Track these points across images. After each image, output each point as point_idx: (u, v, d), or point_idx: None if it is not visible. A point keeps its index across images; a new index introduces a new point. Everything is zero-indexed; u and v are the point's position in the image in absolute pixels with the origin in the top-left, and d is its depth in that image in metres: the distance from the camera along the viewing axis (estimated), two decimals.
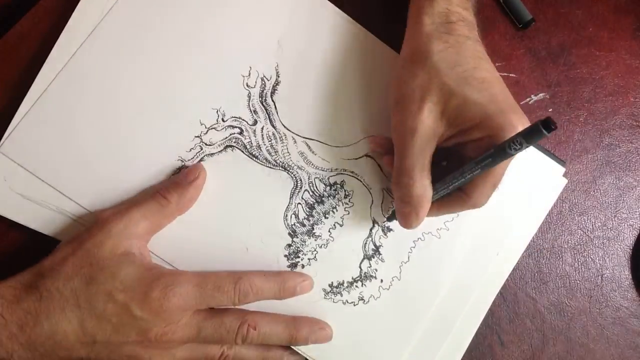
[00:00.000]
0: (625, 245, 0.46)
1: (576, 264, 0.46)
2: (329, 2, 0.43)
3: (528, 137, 0.30)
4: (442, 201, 0.38)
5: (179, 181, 0.39)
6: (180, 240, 0.40)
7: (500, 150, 0.32)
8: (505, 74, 0.47)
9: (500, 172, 0.36)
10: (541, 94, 0.47)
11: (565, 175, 0.45)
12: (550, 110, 0.47)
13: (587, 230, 0.46)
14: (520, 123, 0.34)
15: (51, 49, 0.40)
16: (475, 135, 0.35)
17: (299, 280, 0.40)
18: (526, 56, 0.47)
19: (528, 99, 0.47)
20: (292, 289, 0.39)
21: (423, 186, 0.36)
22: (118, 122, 0.40)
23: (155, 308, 0.34)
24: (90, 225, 0.37)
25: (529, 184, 0.43)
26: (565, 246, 0.46)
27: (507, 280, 0.43)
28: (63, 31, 0.40)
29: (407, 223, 0.37)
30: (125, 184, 0.40)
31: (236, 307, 0.37)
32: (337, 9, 0.43)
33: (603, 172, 0.47)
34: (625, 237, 0.46)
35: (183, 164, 0.40)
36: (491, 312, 0.43)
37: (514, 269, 0.44)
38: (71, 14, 0.41)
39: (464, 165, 0.35)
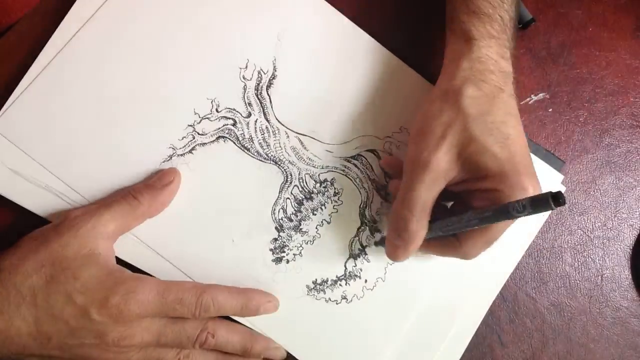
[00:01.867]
0: (625, 245, 0.46)
1: (576, 264, 0.46)
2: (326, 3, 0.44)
3: (534, 204, 0.30)
4: (433, 242, 0.38)
5: (153, 183, 0.39)
6: (167, 229, 0.40)
7: (504, 209, 0.32)
8: None
9: (498, 231, 0.36)
10: (541, 94, 0.47)
11: (565, 175, 0.45)
12: (550, 110, 0.47)
13: (587, 230, 0.46)
14: (532, 187, 0.34)
15: None
16: (485, 186, 0.35)
17: (264, 300, 0.39)
18: (526, 56, 0.47)
19: (528, 99, 0.47)
20: (254, 309, 0.39)
21: (420, 224, 0.35)
22: (112, 106, 0.40)
23: (114, 314, 0.34)
24: (57, 222, 0.36)
25: None
26: (565, 246, 0.46)
27: (507, 280, 0.43)
28: (65, 17, 0.40)
29: (393, 255, 0.37)
30: (115, 167, 0.40)
31: None
32: (334, 10, 0.43)
33: (603, 172, 0.47)
34: (625, 237, 0.46)
35: (174, 152, 0.41)
36: (491, 312, 0.43)
37: (514, 269, 0.43)
38: None
39: (465, 214, 0.35)
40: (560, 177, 0.44)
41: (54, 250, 0.34)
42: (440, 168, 0.35)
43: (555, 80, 0.47)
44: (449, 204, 0.40)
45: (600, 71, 0.48)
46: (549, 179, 0.44)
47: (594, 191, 0.47)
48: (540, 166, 0.44)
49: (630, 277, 0.46)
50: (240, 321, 0.40)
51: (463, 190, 0.37)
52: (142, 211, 0.38)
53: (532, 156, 0.43)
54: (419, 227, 0.35)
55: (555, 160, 0.45)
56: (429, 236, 0.37)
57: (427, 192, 0.35)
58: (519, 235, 0.43)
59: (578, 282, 0.45)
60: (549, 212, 0.44)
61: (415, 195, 0.35)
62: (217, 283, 0.39)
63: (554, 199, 0.28)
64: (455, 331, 0.42)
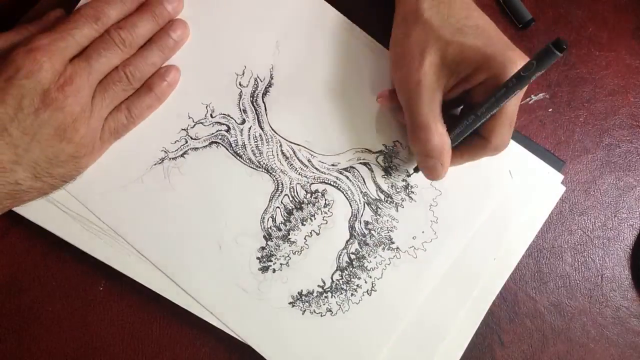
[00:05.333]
0: (625, 245, 0.46)
1: (576, 264, 0.46)
2: (331, 8, 0.43)
3: (540, 58, 0.30)
4: (462, 148, 0.39)
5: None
6: (154, 231, 0.40)
7: (513, 79, 0.33)
8: None
9: (513, 109, 0.37)
10: (541, 94, 0.47)
11: (565, 175, 0.45)
12: (550, 110, 0.47)
13: (587, 230, 0.46)
14: (520, 58, 0.35)
15: None
16: (479, 78, 0.36)
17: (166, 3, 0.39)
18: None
19: (528, 99, 0.47)
20: (165, 14, 0.39)
21: (440, 135, 0.37)
22: None
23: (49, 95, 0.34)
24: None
25: (527, 191, 0.43)
26: (565, 246, 0.46)
27: (507, 280, 0.43)
28: None
29: (434, 175, 0.38)
30: (109, 169, 0.40)
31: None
32: (339, 14, 0.43)
33: (603, 172, 0.47)
34: (625, 237, 0.46)
35: (166, 155, 0.41)
36: (491, 312, 0.43)
37: (514, 269, 0.44)
38: (69, 14, 0.41)
39: (478, 107, 0.35)
40: (560, 177, 0.44)
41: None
42: (431, 81, 0.36)
43: (555, 80, 0.47)
44: (458, 110, 0.41)
45: (600, 71, 0.48)
46: (549, 179, 0.44)
47: (594, 191, 0.47)
48: (540, 166, 0.44)
49: (630, 277, 0.46)
50: (218, 325, 0.40)
51: (463, 93, 0.38)
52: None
53: (532, 156, 0.44)
54: (442, 139, 0.37)
55: (555, 160, 0.45)
56: (455, 143, 0.38)
57: (430, 107, 0.36)
58: (519, 235, 0.43)
59: (578, 282, 0.45)
60: (552, 206, 0.44)
61: (423, 115, 0.36)
62: (201, 287, 0.40)
63: (556, 46, 0.29)
64: (455, 331, 0.42)
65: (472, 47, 0.35)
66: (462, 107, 0.41)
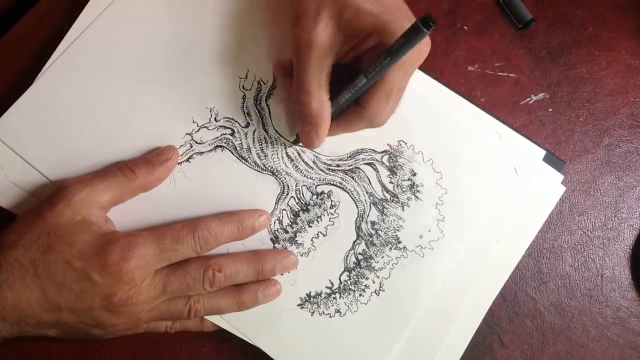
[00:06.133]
0: (625, 245, 0.46)
1: (576, 264, 0.46)
2: None
3: (408, 38, 0.31)
4: (341, 118, 0.38)
5: (150, 159, 0.39)
6: None
7: (385, 54, 0.33)
8: (505, 74, 0.47)
9: (392, 81, 0.36)
10: (541, 94, 0.47)
11: (565, 175, 0.45)
12: (550, 110, 0.47)
13: (587, 230, 0.46)
14: None
15: (50, 48, 0.40)
16: (370, 43, 0.36)
17: (256, 216, 0.39)
18: (526, 56, 0.47)
19: (528, 99, 0.47)
20: (250, 228, 0.39)
21: (321, 102, 0.36)
22: (110, 114, 0.40)
23: (115, 272, 0.34)
24: (52, 194, 0.37)
25: (527, 191, 0.43)
26: (565, 246, 0.46)
27: (507, 280, 0.43)
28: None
29: (308, 142, 0.38)
30: None
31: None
32: None
33: (603, 172, 0.47)
34: (625, 237, 0.46)
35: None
36: (491, 312, 0.43)
37: (514, 269, 0.43)
38: (69, 15, 0.41)
39: (359, 76, 0.35)
40: (560, 177, 0.44)
41: (49, 221, 0.35)
42: (323, 44, 0.35)
43: (555, 80, 0.47)
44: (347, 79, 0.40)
45: (600, 71, 0.48)
46: (549, 179, 0.44)
47: (594, 191, 0.47)
48: (540, 166, 0.44)
49: (630, 277, 0.46)
50: (228, 329, 0.40)
51: (355, 59, 0.37)
52: (137, 185, 0.38)
53: (532, 156, 0.44)
54: (321, 106, 0.36)
55: (555, 160, 0.45)
56: (335, 113, 0.37)
57: (317, 70, 0.35)
58: (519, 235, 0.43)
59: (578, 282, 0.45)
60: (552, 206, 0.44)
61: (307, 77, 0.35)
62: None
63: (423, 23, 0.29)
64: (455, 331, 0.42)
65: (368, 12, 0.34)
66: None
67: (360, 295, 0.41)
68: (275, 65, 0.41)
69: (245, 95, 0.42)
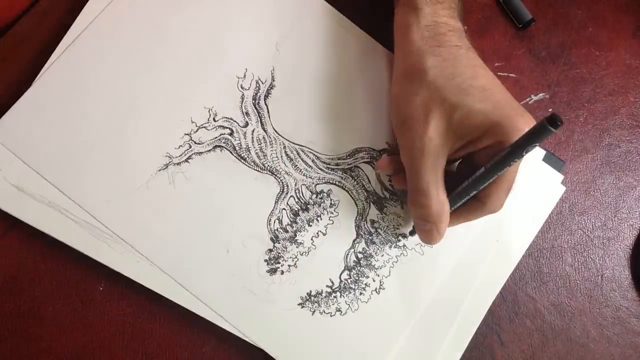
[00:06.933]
0: (625, 245, 0.46)
1: (576, 264, 0.46)
2: (332, 8, 0.43)
3: (534, 136, 0.30)
4: (459, 211, 0.38)
5: None
6: (162, 237, 0.40)
7: (509, 153, 0.32)
8: (505, 74, 0.47)
9: (512, 176, 0.36)
10: (541, 94, 0.47)
11: (565, 175, 0.45)
12: (550, 110, 0.47)
13: (587, 230, 0.46)
14: (527, 125, 0.33)
15: (50, 48, 0.40)
16: (484, 143, 0.35)
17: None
18: (526, 56, 0.47)
19: (528, 99, 0.47)
20: None
21: (440, 203, 0.36)
22: (109, 115, 0.40)
23: None
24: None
25: (527, 191, 0.43)
26: (565, 246, 0.46)
27: (507, 280, 0.43)
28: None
29: (429, 239, 0.38)
30: (111, 177, 0.40)
31: None
32: (340, 15, 0.43)
33: (603, 172, 0.47)
34: (625, 237, 0.46)
35: (170, 160, 0.40)
36: (491, 312, 0.43)
37: (514, 269, 0.43)
38: (70, 14, 0.41)
39: (476, 174, 0.35)
40: (560, 177, 0.44)
41: None
42: (435, 148, 0.35)
43: (555, 80, 0.47)
44: (456, 165, 0.40)
45: (600, 71, 0.48)
46: (549, 179, 0.44)
47: (594, 191, 0.46)
48: (540, 166, 0.44)
49: (630, 277, 0.46)
50: (228, 329, 0.40)
51: (467, 154, 0.37)
52: None
53: (532, 156, 0.44)
54: (440, 207, 0.36)
55: (555, 160, 0.45)
56: (453, 208, 0.37)
57: (433, 174, 0.35)
58: (519, 235, 0.43)
59: (578, 282, 0.45)
60: (552, 206, 0.44)
61: (424, 182, 0.35)
62: (210, 292, 0.40)
63: (551, 122, 0.28)
64: (455, 331, 0.42)
65: (478, 111, 0.34)
66: (460, 161, 0.40)
67: (360, 293, 0.41)
68: (379, 167, 0.41)
69: (243, 94, 0.42)
